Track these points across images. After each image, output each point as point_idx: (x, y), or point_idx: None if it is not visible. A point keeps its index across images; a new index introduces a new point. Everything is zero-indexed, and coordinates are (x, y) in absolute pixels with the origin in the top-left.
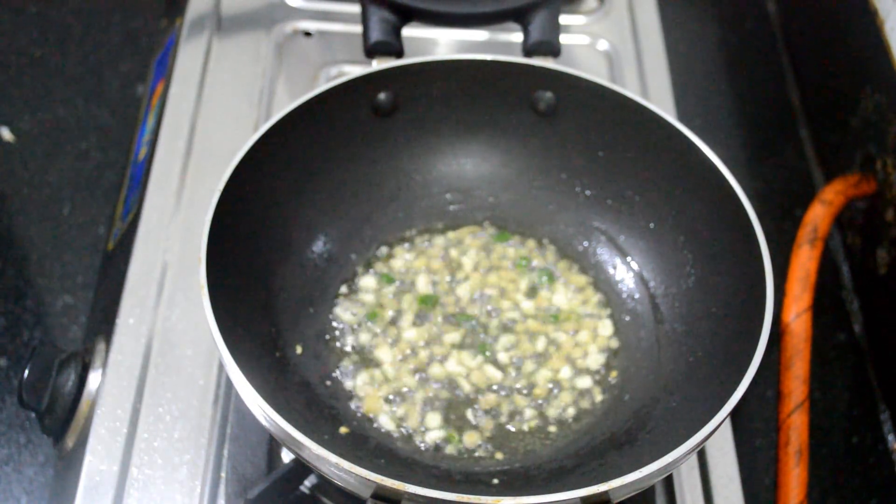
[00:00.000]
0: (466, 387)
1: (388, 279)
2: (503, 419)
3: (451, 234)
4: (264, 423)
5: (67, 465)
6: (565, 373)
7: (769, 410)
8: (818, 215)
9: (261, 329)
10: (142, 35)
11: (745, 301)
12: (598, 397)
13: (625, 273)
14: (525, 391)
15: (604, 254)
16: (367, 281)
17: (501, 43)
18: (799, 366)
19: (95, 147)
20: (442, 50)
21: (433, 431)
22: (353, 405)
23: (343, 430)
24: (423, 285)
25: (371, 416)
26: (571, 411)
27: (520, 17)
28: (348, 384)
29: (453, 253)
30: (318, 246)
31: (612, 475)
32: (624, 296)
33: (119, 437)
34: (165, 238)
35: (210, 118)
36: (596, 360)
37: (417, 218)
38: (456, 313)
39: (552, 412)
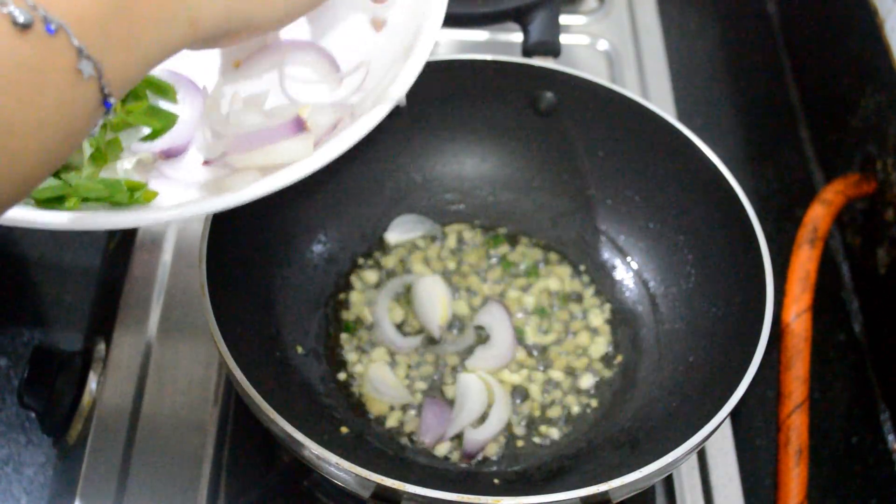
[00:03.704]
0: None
1: (378, 288)
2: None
3: (450, 235)
4: (264, 423)
5: (67, 464)
6: (565, 373)
7: (769, 410)
8: (818, 215)
9: (261, 329)
10: None
11: (745, 301)
12: (599, 397)
13: (625, 273)
14: (524, 392)
15: (604, 254)
16: (368, 281)
17: (501, 43)
18: (799, 366)
19: None
20: (442, 50)
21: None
22: (353, 406)
23: (343, 430)
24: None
25: (371, 416)
26: (572, 411)
27: (520, 17)
28: (348, 384)
29: (453, 253)
30: (318, 246)
31: (612, 475)
32: (624, 296)
33: (119, 437)
34: (165, 238)
35: None
36: (596, 360)
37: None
38: (455, 313)
39: (552, 412)
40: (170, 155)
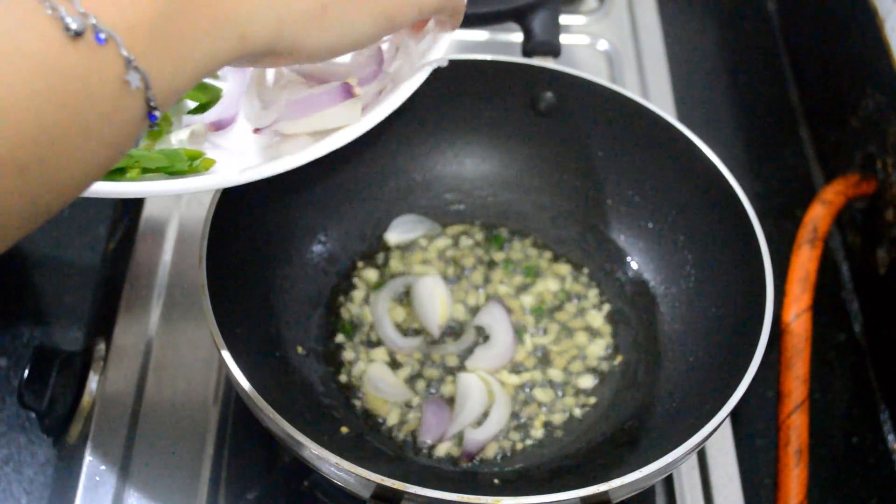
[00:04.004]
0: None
1: (381, 286)
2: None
3: (450, 235)
4: (264, 423)
5: (67, 464)
6: (565, 373)
7: (769, 410)
8: (818, 215)
9: (261, 329)
10: None
11: (745, 301)
12: (598, 397)
13: (625, 273)
14: (524, 391)
15: (604, 254)
16: (368, 281)
17: (501, 43)
18: (799, 366)
19: None
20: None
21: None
22: (353, 405)
23: (343, 430)
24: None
25: (371, 415)
26: (572, 411)
27: (520, 17)
28: (349, 384)
29: (453, 253)
30: (318, 246)
31: (612, 475)
32: (624, 296)
33: (119, 437)
34: (166, 237)
35: None
36: (596, 360)
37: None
38: (455, 313)
39: (552, 412)
40: (219, 126)
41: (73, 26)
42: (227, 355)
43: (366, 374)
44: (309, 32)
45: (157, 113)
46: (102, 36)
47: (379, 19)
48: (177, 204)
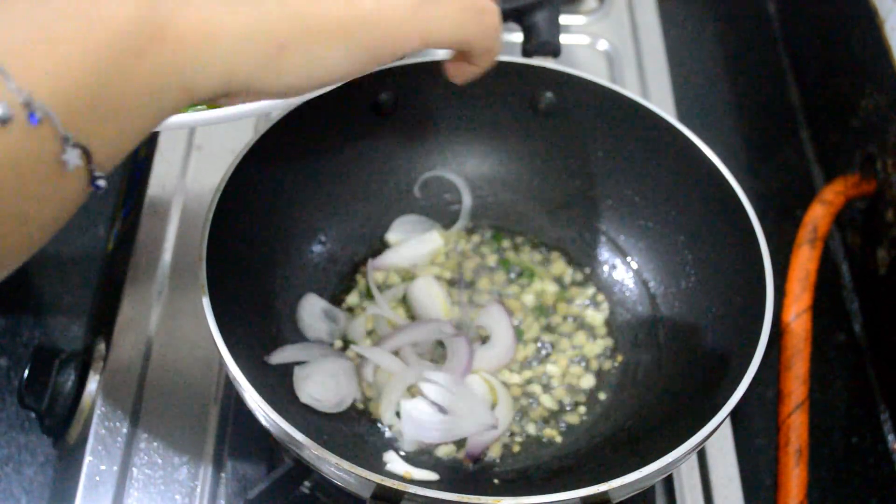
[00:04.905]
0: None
1: (383, 288)
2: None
3: (450, 235)
4: (264, 423)
5: (67, 464)
6: (565, 372)
7: (769, 410)
8: (818, 215)
9: (261, 329)
10: None
11: (745, 301)
12: (599, 397)
13: (625, 273)
14: (524, 392)
15: (604, 254)
16: (368, 281)
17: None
18: (799, 366)
19: None
20: (443, 50)
21: None
22: (354, 405)
23: (343, 430)
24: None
25: (371, 416)
26: (572, 412)
27: (520, 17)
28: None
29: (453, 253)
30: (318, 246)
31: (612, 475)
32: (624, 296)
33: (119, 437)
34: (165, 238)
35: None
36: (595, 360)
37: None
38: (455, 314)
39: (552, 412)
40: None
41: (0, 112)
42: (227, 355)
43: (365, 373)
44: (266, 75)
45: (101, 182)
46: (37, 116)
47: (355, 53)
48: (177, 203)
